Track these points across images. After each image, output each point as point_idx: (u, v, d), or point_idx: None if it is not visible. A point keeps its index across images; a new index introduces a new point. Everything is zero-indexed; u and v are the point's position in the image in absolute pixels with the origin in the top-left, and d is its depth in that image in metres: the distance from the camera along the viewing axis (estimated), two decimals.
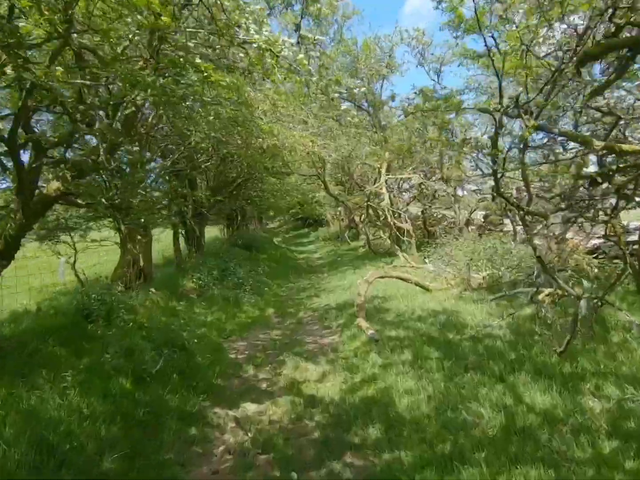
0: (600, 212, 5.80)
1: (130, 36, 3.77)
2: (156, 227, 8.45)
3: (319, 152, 11.62)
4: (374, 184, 15.16)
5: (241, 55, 4.51)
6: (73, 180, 4.40)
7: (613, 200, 5.19)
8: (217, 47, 4.48)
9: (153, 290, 7.51)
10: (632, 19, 2.51)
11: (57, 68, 2.73)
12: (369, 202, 14.70)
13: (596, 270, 8.39)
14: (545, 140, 5.05)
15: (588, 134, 4.55)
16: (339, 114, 12.22)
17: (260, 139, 8.17)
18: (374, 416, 3.77)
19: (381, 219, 14.97)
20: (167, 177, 8.69)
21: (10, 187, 5.08)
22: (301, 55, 3.70)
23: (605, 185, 3.95)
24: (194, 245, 11.54)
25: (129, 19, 3.48)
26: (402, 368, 4.59)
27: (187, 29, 3.98)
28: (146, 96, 3.77)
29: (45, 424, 3.20)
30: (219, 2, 3.39)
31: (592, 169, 6.99)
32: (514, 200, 4.75)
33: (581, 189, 5.10)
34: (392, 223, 13.32)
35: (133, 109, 4.56)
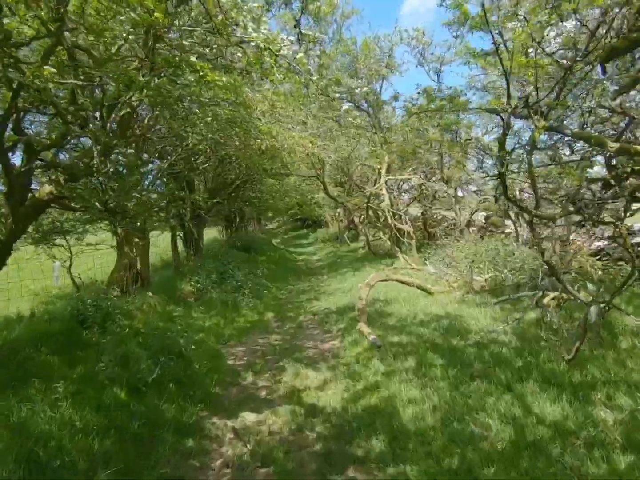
0: (606, 214, 5.68)
1: (124, 35, 3.65)
2: (154, 230, 8.30)
3: (318, 153, 11.50)
4: (374, 185, 15.04)
5: (239, 55, 4.39)
6: (66, 183, 4.27)
7: (617, 201, 5.08)
8: (214, 46, 4.36)
9: (150, 294, 7.38)
10: None
11: (44, 67, 2.59)
12: (368, 203, 14.57)
13: (600, 272, 8.29)
14: (550, 141, 4.94)
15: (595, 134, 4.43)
16: (338, 114, 12.12)
17: (259, 140, 8.04)
18: (377, 427, 3.64)
19: (381, 220, 14.84)
20: (164, 179, 8.56)
21: (1, 190, 4.94)
22: (301, 54, 3.59)
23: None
24: (192, 248, 11.41)
25: (122, 17, 3.37)
26: (406, 376, 4.46)
27: (183, 27, 3.86)
28: (141, 97, 3.64)
29: (35, 439, 3.06)
30: None
31: (596, 169, 6.88)
32: (523, 204, 4.62)
33: (586, 190, 4.98)
34: (392, 224, 13.20)
35: (128, 110, 4.44)
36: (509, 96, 3.05)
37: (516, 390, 3.78)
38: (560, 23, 3.37)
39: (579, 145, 4.58)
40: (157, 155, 8.49)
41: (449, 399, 3.83)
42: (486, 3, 3.13)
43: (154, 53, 3.76)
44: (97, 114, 4.01)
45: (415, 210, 16.26)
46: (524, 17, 2.39)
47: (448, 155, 12.96)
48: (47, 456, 2.97)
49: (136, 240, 7.55)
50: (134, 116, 5.59)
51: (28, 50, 4.37)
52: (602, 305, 3.92)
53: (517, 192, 9.75)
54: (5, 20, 2.43)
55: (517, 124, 8.88)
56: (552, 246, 7.24)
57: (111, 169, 4.11)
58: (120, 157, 5.12)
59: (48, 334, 4.74)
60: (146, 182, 7.35)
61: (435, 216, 16.02)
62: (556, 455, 2.87)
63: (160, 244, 10.88)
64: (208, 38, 4.23)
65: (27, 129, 6.37)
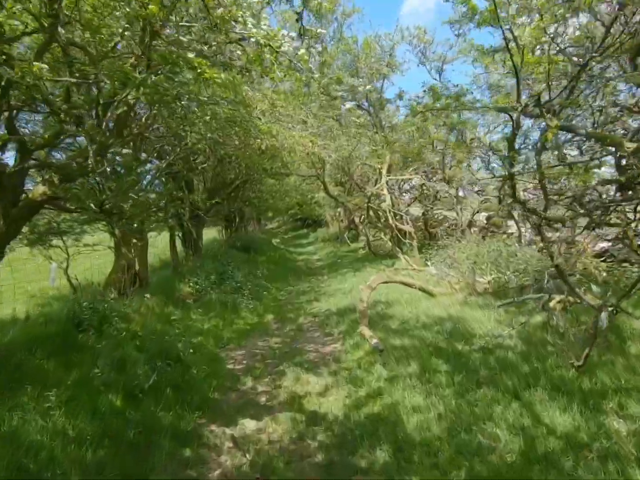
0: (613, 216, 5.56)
1: (120, 31, 3.52)
2: (152, 231, 8.18)
3: (319, 152, 11.37)
4: (375, 184, 14.92)
5: (238, 52, 4.27)
6: (61, 183, 4.15)
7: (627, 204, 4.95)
8: (213, 43, 4.24)
9: (148, 295, 7.25)
10: None
11: (34, 64, 2.47)
12: (369, 203, 14.45)
13: (604, 274, 8.17)
14: (557, 141, 4.81)
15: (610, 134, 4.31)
16: (339, 113, 11.99)
17: (259, 140, 7.92)
18: (381, 436, 3.52)
19: (382, 220, 14.72)
20: (163, 179, 8.44)
21: None
22: (302, 51, 3.47)
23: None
24: (191, 248, 11.29)
25: (118, 13, 3.25)
26: (409, 382, 4.35)
27: (180, 24, 3.74)
28: (138, 95, 3.52)
29: (25, 449, 2.95)
30: None
31: (602, 170, 6.74)
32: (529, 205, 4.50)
33: (592, 191, 4.86)
34: (393, 224, 13.07)
35: (125, 108, 4.31)
36: (519, 94, 2.93)
37: (524, 398, 3.67)
38: (569, 20, 3.26)
39: (586, 145, 4.46)
40: (155, 154, 8.37)
41: (454, 407, 3.72)
42: None
43: (150, 50, 3.64)
44: (93, 113, 3.90)
45: (416, 210, 16.12)
46: (538, 11, 2.27)
47: (451, 155, 12.82)
48: (37, 467, 2.86)
49: (134, 241, 7.43)
50: (132, 115, 5.47)
51: (24, 48, 4.27)
52: (611, 309, 3.81)
53: (522, 193, 9.62)
54: None
55: (525, 123, 8.74)
56: (558, 248, 7.12)
57: (108, 169, 3.99)
58: (116, 157, 5.00)
59: (43, 337, 4.61)
60: (144, 182, 7.24)
61: (436, 216, 15.89)
62: (569, 468, 2.75)
63: (159, 244, 10.76)
64: (206, 35, 4.11)
65: (23, 127, 6.26)
